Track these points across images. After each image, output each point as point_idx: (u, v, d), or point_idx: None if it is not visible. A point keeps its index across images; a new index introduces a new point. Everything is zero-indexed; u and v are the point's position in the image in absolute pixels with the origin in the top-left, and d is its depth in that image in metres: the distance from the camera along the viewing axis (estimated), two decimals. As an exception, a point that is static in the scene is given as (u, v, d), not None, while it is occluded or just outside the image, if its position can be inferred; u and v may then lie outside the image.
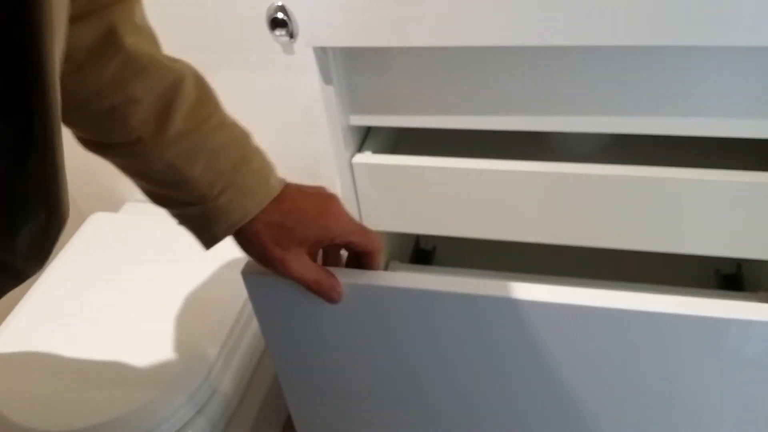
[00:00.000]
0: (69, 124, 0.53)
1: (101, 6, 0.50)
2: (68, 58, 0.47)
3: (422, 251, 1.23)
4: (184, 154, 0.52)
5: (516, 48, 0.70)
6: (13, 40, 0.33)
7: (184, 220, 0.55)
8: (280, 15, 0.92)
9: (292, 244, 0.54)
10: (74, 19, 0.48)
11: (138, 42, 0.51)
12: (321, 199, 0.57)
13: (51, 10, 0.35)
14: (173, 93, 0.51)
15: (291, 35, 0.94)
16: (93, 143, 0.54)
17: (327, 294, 0.56)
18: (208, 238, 0.55)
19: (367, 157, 0.85)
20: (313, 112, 1.03)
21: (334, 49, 0.74)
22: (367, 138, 0.88)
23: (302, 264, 0.55)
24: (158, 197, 0.56)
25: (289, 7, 0.91)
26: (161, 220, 0.61)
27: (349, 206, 0.80)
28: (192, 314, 0.96)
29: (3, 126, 0.36)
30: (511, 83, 0.73)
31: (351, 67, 0.77)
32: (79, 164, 0.72)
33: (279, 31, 0.94)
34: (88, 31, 0.49)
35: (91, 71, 0.50)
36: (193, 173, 0.52)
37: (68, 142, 0.45)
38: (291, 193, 0.56)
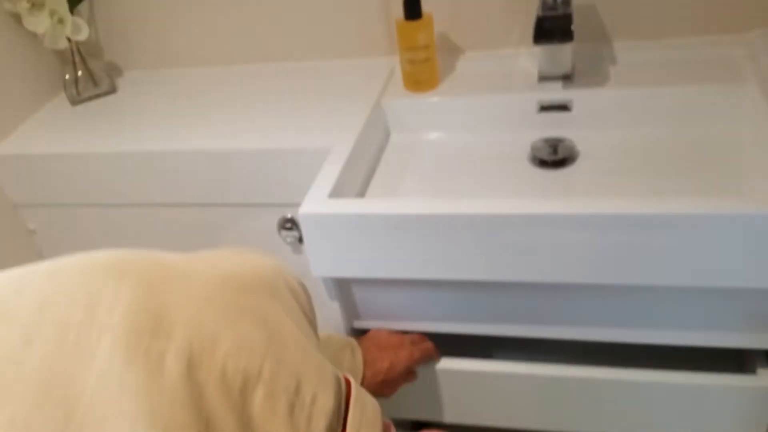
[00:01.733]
0: None
1: None
2: None
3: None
4: None
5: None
6: None
7: None
8: (288, 225, 1.04)
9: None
10: None
11: None
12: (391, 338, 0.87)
13: None
14: None
15: (300, 239, 1.05)
16: None
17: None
18: None
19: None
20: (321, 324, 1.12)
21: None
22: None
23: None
24: None
25: (296, 218, 1.03)
26: None
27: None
28: None
29: None
30: (488, 303, 0.84)
31: (354, 287, 0.88)
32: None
33: (287, 234, 1.05)
34: None
35: None
36: None
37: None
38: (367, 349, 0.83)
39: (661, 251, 0.71)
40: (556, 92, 0.97)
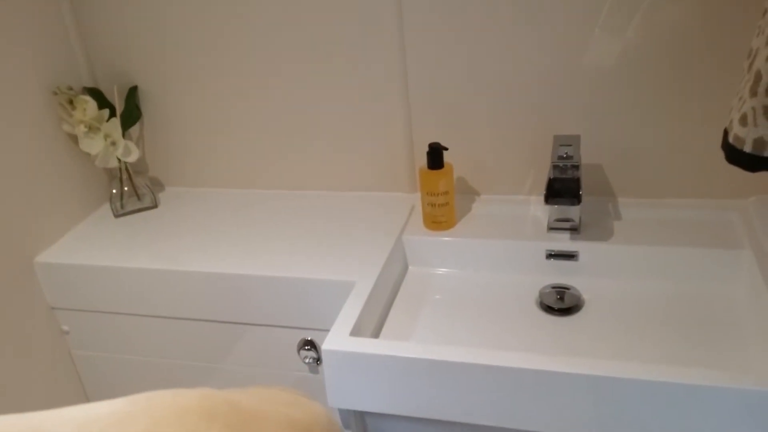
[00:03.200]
0: None
1: None
2: None
3: None
4: None
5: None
6: None
7: None
8: (308, 347, 1.11)
9: None
10: None
11: None
12: None
13: None
14: None
15: (317, 360, 1.11)
16: None
17: None
18: None
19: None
20: None
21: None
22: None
23: None
24: None
25: (316, 341, 1.10)
26: None
27: None
28: None
29: None
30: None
31: (368, 418, 0.93)
32: None
33: (306, 355, 1.12)
34: None
35: None
36: None
37: None
38: None
39: (658, 416, 0.77)
40: (563, 242, 1.05)
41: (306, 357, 1.12)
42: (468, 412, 0.85)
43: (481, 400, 0.83)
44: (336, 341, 0.88)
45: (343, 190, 1.29)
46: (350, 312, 0.93)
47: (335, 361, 0.88)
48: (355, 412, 0.93)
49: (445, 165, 1.09)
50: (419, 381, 0.84)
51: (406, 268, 1.14)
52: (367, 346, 0.87)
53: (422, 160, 1.11)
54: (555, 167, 1.01)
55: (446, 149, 1.09)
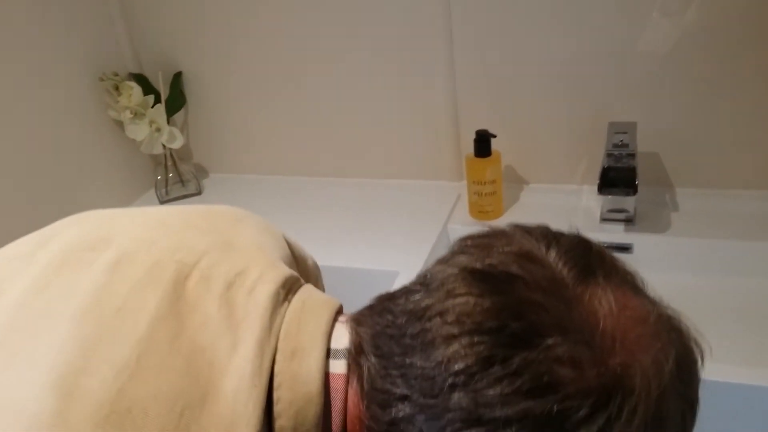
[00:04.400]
0: None
1: None
2: None
3: None
4: None
5: None
6: None
7: None
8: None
9: None
10: None
11: None
12: None
13: None
14: None
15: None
16: None
17: None
18: None
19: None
20: None
21: None
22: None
23: None
24: None
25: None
26: None
27: None
28: None
29: None
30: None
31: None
32: None
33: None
34: None
35: None
36: None
37: None
38: None
39: (715, 416, 0.72)
40: (617, 234, 1.01)
41: (348, 347, 1.10)
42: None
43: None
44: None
45: (388, 177, 1.27)
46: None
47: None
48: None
49: (492, 153, 1.06)
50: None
51: (451, 259, 1.11)
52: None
53: (469, 147, 1.07)
54: (609, 155, 0.97)
55: (494, 136, 1.05)
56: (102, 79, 1.21)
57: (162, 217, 0.50)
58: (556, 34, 1.03)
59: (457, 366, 0.37)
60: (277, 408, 0.40)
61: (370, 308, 0.45)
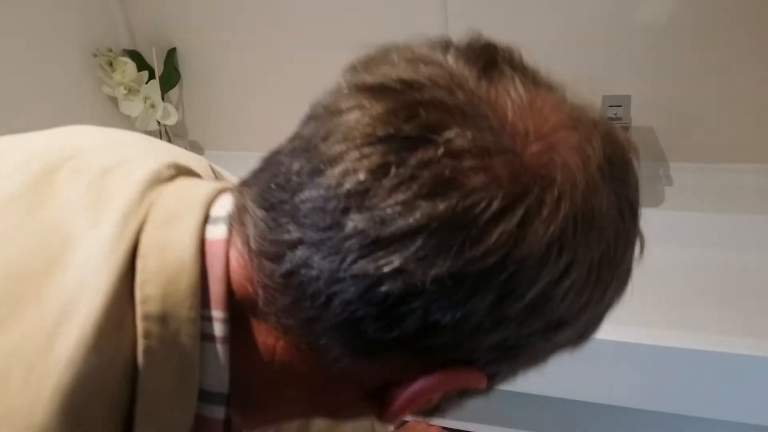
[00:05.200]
0: None
1: None
2: None
3: None
4: None
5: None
6: None
7: None
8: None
9: None
10: None
11: None
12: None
13: None
14: None
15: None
16: None
17: None
18: None
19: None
20: None
21: None
22: None
23: None
24: None
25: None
26: None
27: None
28: None
29: None
30: (528, 410, 0.87)
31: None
32: None
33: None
34: None
35: None
36: None
37: None
38: None
39: (706, 385, 0.73)
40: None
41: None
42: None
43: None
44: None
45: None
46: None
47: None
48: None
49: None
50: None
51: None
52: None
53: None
54: (602, 128, 0.96)
55: (489, 110, 1.05)
56: (95, 55, 1.21)
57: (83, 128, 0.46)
58: (548, 5, 1.03)
59: (348, 185, 0.31)
60: (142, 276, 0.33)
61: (260, 167, 0.39)
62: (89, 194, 0.36)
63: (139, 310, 0.33)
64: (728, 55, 0.98)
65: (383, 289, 0.31)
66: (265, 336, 0.35)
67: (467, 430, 0.93)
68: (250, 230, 0.35)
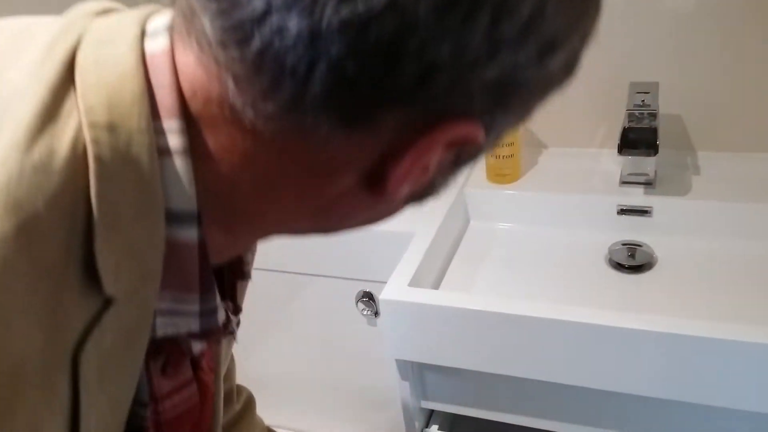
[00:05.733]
0: None
1: None
2: None
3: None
4: None
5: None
6: None
7: None
8: (365, 298, 1.09)
9: None
10: None
11: None
12: None
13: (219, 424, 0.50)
14: None
15: (375, 314, 1.10)
16: None
17: None
18: None
19: None
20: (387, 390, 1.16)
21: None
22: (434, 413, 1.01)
23: None
24: None
25: (374, 293, 1.08)
26: None
27: None
28: None
29: None
30: (558, 403, 0.86)
31: (425, 370, 0.91)
32: None
33: (364, 308, 1.10)
34: None
35: None
36: None
37: None
38: None
39: (730, 375, 0.72)
40: (637, 197, 0.99)
41: (364, 309, 1.11)
42: (531, 369, 0.81)
43: (545, 357, 0.80)
44: (394, 291, 0.85)
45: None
46: (409, 262, 0.91)
47: (393, 312, 0.85)
48: (412, 363, 0.91)
49: (511, 115, 1.04)
50: (481, 335, 0.81)
51: (467, 223, 1.10)
52: (425, 296, 0.84)
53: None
54: (630, 116, 0.95)
55: (513, 97, 1.03)
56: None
57: None
58: (577, -8, 1.01)
59: None
60: (83, 88, 0.31)
61: None
62: (12, 43, 0.34)
63: (85, 120, 0.30)
64: (759, 42, 0.96)
65: (373, 33, 0.28)
66: (233, 140, 0.33)
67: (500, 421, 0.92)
68: (206, 24, 0.31)
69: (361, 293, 1.09)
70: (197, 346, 0.39)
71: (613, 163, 1.08)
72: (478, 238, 1.06)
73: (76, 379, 0.30)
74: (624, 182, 1.02)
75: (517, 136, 1.06)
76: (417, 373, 0.92)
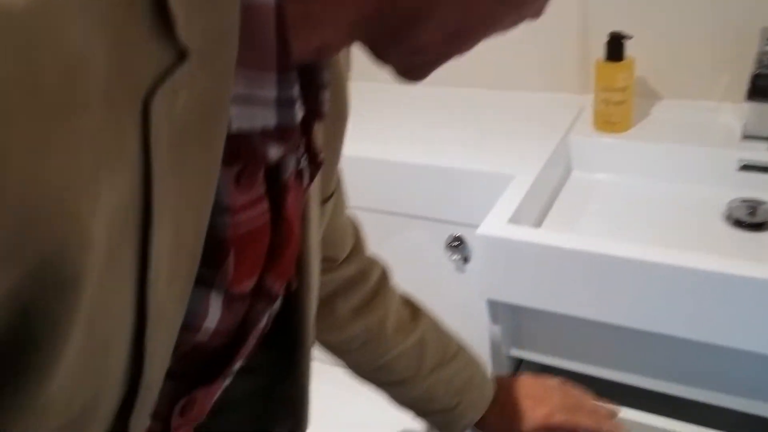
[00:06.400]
0: (351, 366, 0.71)
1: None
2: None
3: None
4: (435, 383, 0.69)
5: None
6: (287, 304, 0.46)
7: (429, 419, 0.72)
8: (455, 243, 1.05)
9: (516, 426, 0.71)
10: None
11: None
12: (538, 390, 0.74)
13: (312, 287, 0.48)
14: (424, 344, 0.69)
15: (465, 260, 1.06)
16: (364, 378, 0.72)
17: None
18: None
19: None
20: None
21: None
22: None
23: None
24: (408, 406, 0.72)
25: (465, 237, 1.04)
26: None
27: None
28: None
29: (271, 353, 0.49)
30: (664, 358, 0.80)
31: (518, 314, 0.87)
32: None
33: (455, 255, 1.07)
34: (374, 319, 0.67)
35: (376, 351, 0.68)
36: (439, 394, 0.69)
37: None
38: (504, 393, 0.73)
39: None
40: (761, 152, 0.92)
41: (453, 255, 1.07)
42: (636, 317, 0.76)
43: (654, 305, 0.74)
44: (493, 227, 0.82)
45: (505, 89, 1.21)
46: (509, 201, 0.87)
47: (489, 249, 0.82)
48: (505, 306, 0.87)
49: (625, 58, 0.98)
50: (584, 278, 0.77)
51: (568, 173, 1.04)
52: (528, 234, 0.80)
53: (596, 54, 1.00)
54: (761, 61, 0.87)
55: (630, 37, 0.97)
56: None
57: None
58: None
59: None
60: None
61: None
62: None
63: None
64: None
65: None
66: None
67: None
68: None
69: (451, 237, 1.06)
70: (273, 150, 0.35)
71: (734, 117, 1.00)
72: (580, 189, 1.00)
73: (147, 140, 0.26)
74: (747, 136, 0.94)
75: (631, 81, 0.99)
76: (509, 317, 0.88)
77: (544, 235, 0.79)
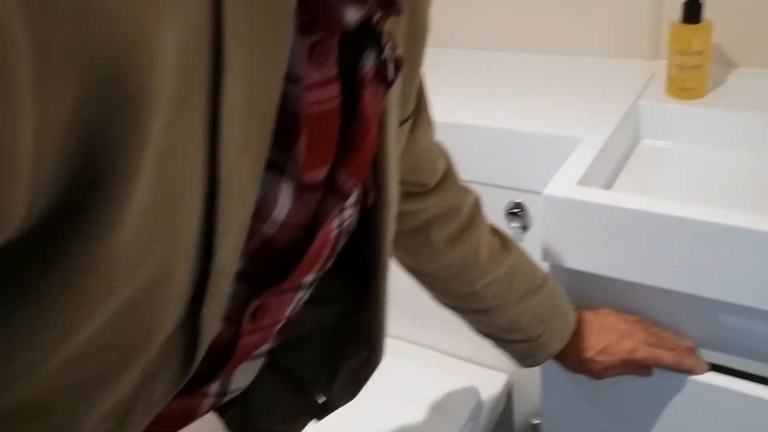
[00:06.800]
0: (439, 294, 0.71)
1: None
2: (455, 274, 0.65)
3: None
4: (521, 312, 0.69)
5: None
6: (364, 226, 0.45)
7: (509, 350, 0.73)
8: (516, 210, 1.03)
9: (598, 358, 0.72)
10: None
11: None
12: (622, 325, 0.74)
13: (389, 205, 0.46)
14: (514, 273, 0.70)
15: (524, 228, 1.03)
16: (450, 306, 0.72)
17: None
18: (529, 364, 0.73)
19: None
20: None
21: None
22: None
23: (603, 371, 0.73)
24: (490, 337, 0.72)
25: (525, 204, 1.02)
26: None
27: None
28: None
29: (348, 283, 0.47)
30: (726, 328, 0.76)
31: (582, 281, 0.84)
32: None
33: (514, 222, 1.04)
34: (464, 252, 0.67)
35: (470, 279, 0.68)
36: (524, 324, 0.69)
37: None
38: (586, 325, 0.74)
39: None
40: None
41: (513, 222, 1.04)
42: (718, 288, 0.72)
43: (740, 275, 0.70)
44: (561, 188, 0.79)
45: (576, 54, 1.17)
46: (578, 163, 0.83)
47: (555, 212, 0.79)
48: (568, 271, 0.84)
49: (702, 20, 0.93)
50: (659, 243, 0.73)
51: (636, 141, 1.00)
52: (598, 196, 0.77)
53: (670, 17, 0.95)
54: None
55: (709, -2, 0.92)
56: None
57: None
58: None
59: None
60: None
61: None
62: None
63: None
64: None
65: None
66: None
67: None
68: None
69: (512, 204, 1.03)
70: (350, 12, 0.33)
71: (819, 86, 0.95)
72: (650, 156, 0.97)
73: None
74: (834, 104, 0.89)
75: (708, 45, 0.94)
76: (571, 284, 0.85)
77: (619, 198, 0.75)
